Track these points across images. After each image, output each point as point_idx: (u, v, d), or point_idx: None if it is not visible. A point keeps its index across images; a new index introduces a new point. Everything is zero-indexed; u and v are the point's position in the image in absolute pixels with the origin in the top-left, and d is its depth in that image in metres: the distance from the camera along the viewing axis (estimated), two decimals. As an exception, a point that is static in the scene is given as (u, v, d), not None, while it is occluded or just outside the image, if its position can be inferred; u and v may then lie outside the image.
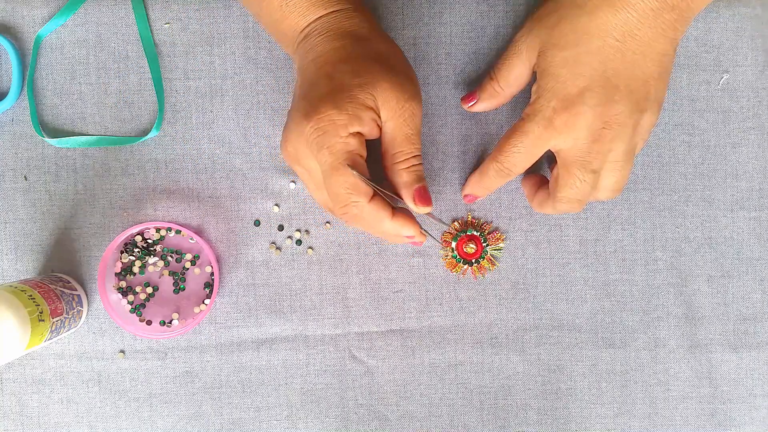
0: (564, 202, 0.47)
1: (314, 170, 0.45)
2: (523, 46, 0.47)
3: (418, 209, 0.45)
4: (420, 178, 0.45)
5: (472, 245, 0.55)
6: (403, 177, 0.45)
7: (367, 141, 0.45)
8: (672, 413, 0.56)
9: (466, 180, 0.53)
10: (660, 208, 0.55)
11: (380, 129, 0.45)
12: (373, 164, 0.46)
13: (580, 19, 0.43)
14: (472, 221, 0.55)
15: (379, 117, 0.44)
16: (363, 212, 0.44)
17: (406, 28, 0.55)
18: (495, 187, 0.51)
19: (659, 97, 0.45)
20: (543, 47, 0.45)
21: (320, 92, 0.44)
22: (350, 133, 0.43)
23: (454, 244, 0.55)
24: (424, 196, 0.45)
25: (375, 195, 0.45)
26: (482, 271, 0.55)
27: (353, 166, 0.43)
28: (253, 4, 0.48)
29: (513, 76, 0.49)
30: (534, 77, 0.47)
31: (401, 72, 0.45)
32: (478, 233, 0.55)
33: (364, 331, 0.56)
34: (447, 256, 0.55)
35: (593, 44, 0.43)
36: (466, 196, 0.53)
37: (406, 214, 0.46)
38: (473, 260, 0.55)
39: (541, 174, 0.54)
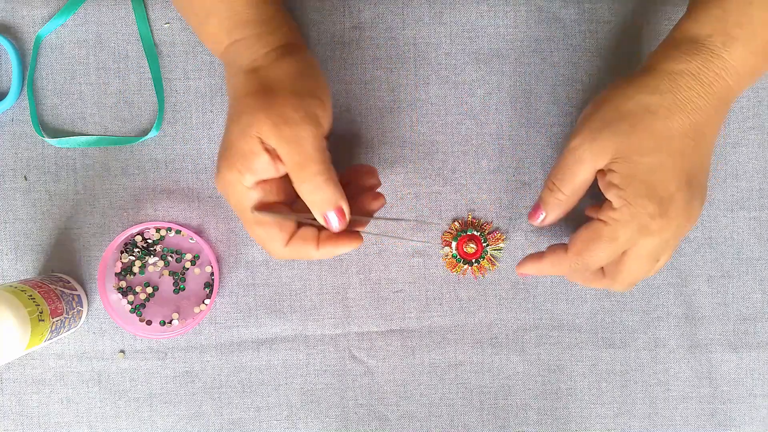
0: (624, 286, 0.47)
1: None
2: (587, 154, 0.45)
3: (340, 226, 0.45)
4: (327, 201, 0.44)
5: (472, 245, 0.55)
6: (308, 204, 0.44)
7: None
8: (672, 413, 0.56)
9: (526, 261, 0.50)
10: (660, 208, 0.55)
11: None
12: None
13: (656, 124, 0.44)
14: (472, 221, 0.55)
15: (276, 154, 0.43)
16: (284, 254, 0.45)
17: (406, 28, 0.55)
18: (561, 275, 0.51)
19: (707, 182, 0.47)
20: (620, 154, 0.44)
21: (221, 149, 0.45)
22: (248, 187, 0.43)
23: (454, 244, 0.55)
24: (341, 213, 0.45)
25: (294, 234, 0.45)
26: (482, 271, 0.55)
27: (264, 211, 0.44)
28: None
29: (578, 184, 0.47)
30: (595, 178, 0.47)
31: (287, 96, 0.43)
32: (478, 233, 0.55)
33: (364, 331, 0.56)
34: (447, 255, 0.55)
35: (675, 147, 0.44)
36: (522, 273, 0.51)
37: (335, 234, 0.46)
38: (473, 260, 0.55)
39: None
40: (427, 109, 0.55)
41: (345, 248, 0.46)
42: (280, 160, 0.43)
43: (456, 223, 0.55)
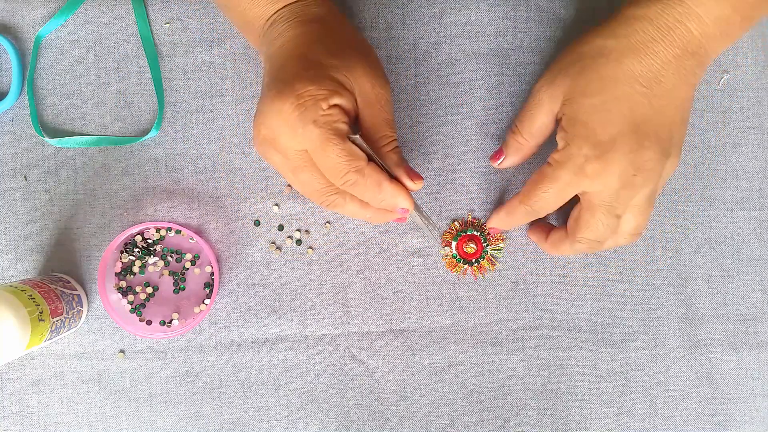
0: (583, 243, 0.48)
1: (291, 152, 0.43)
2: (545, 96, 0.47)
3: (415, 185, 0.46)
4: (404, 160, 0.47)
5: (472, 245, 0.55)
6: (393, 158, 0.46)
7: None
8: (672, 413, 0.56)
9: (491, 214, 0.53)
10: (660, 208, 0.55)
11: (354, 114, 0.44)
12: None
13: (606, 67, 0.44)
14: (472, 221, 0.55)
15: (356, 101, 0.44)
16: (365, 174, 0.43)
17: (406, 28, 0.55)
18: (521, 224, 0.52)
19: (681, 142, 0.46)
20: (568, 95, 0.45)
21: (294, 71, 0.43)
22: (331, 105, 0.42)
23: (454, 244, 0.55)
24: (415, 172, 0.46)
25: (370, 159, 0.45)
26: (482, 271, 0.55)
27: (344, 136, 0.43)
28: None
29: (536, 127, 0.48)
30: (556, 125, 0.47)
31: (373, 60, 0.46)
32: (478, 233, 0.55)
33: (364, 331, 0.56)
34: (447, 255, 0.55)
35: (621, 91, 0.43)
36: (491, 228, 0.54)
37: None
38: (473, 260, 0.55)
39: (549, 222, 0.54)
40: (427, 109, 0.55)
41: (410, 201, 0.46)
42: (353, 108, 0.44)
43: (456, 223, 0.55)
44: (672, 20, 0.43)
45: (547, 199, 0.46)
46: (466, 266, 0.55)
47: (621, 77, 0.44)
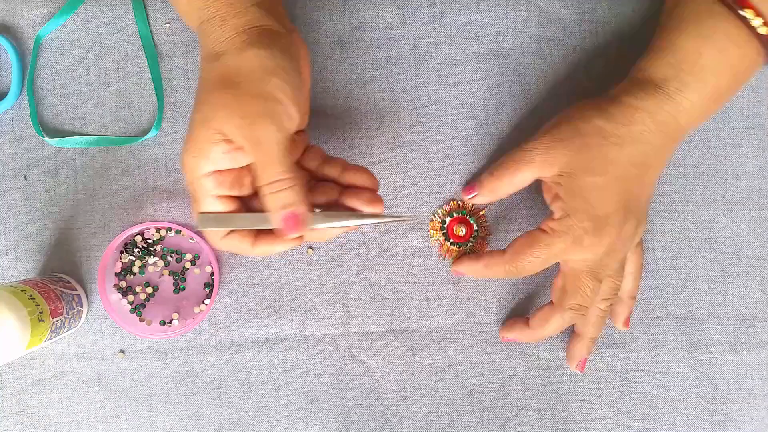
0: (574, 309, 0.49)
1: None
2: (538, 158, 0.48)
3: (287, 236, 0.44)
4: (288, 204, 0.42)
5: (462, 228, 0.55)
6: (267, 203, 0.43)
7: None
8: (672, 413, 0.56)
9: (461, 259, 0.53)
10: (660, 208, 0.55)
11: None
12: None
13: (609, 149, 0.46)
14: (458, 205, 0.55)
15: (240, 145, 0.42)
16: (221, 247, 0.45)
17: (406, 28, 0.55)
18: (494, 278, 0.54)
19: (647, 208, 0.50)
20: (569, 168, 0.47)
21: (187, 130, 0.43)
22: (203, 175, 0.42)
23: (443, 226, 0.55)
24: (292, 221, 0.43)
25: (232, 231, 0.45)
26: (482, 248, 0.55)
27: (209, 220, 0.44)
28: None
29: (518, 179, 0.50)
30: (533, 184, 0.50)
31: (249, 93, 0.41)
32: (466, 214, 0.55)
33: (364, 331, 0.56)
34: (438, 239, 0.55)
35: (620, 172, 0.47)
36: (456, 271, 0.54)
37: (271, 233, 0.45)
38: (465, 242, 0.55)
39: (522, 317, 0.54)
40: (427, 109, 0.55)
41: (282, 247, 0.45)
42: (243, 151, 0.42)
43: (441, 209, 0.55)
44: (665, 115, 0.46)
45: (535, 262, 0.48)
46: (458, 248, 0.55)
47: (621, 161, 0.47)
